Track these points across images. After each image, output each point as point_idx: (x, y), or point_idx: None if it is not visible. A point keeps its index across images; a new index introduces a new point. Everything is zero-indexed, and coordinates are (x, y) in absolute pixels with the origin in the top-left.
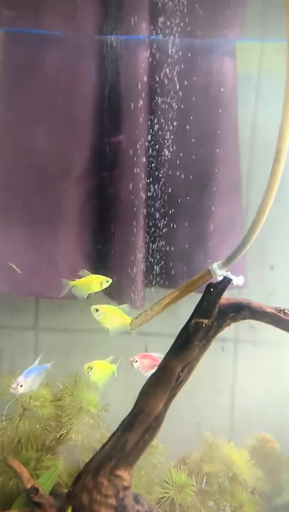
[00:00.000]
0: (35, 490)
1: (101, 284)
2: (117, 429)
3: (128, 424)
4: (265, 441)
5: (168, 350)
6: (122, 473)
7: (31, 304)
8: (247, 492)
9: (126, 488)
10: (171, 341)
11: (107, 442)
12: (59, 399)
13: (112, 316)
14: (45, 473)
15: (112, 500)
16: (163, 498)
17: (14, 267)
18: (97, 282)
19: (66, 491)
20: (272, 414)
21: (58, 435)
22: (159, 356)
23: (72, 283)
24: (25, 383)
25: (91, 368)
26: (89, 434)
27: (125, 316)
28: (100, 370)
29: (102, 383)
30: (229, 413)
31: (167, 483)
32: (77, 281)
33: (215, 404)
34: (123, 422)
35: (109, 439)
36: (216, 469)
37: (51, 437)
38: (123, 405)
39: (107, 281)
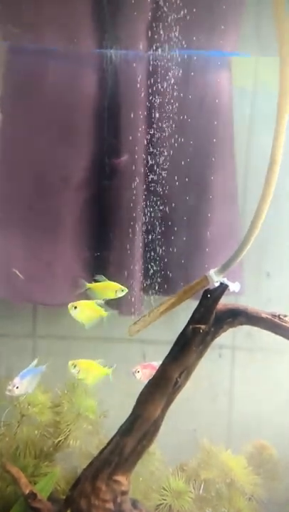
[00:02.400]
0: (33, 495)
1: (116, 292)
2: (116, 434)
3: (126, 429)
4: (263, 448)
5: (166, 355)
6: (120, 478)
7: (29, 311)
8: (245, 498)
9: (124, 493)
10: (169, 349)
11: (105, 447)
12: (57, 405)
13: (88, 311)
14: (44, 479)
15: (110, 505)
16: (161, 504)
17: (17, 272)
18: (112, 289)
19: (64, 497)
20: (270, 420)
21: (56, 441)
22: (160, 364)
23: (88, 285)
24: (22, 385)
25: (75, 366)
26: (87, 440)
27: (100, 309)
28: (87, 369)
29: (92, 383)
30: (227, 420)
31: (165, 489)
32: (94, 285)
33: (212, 411)
34: (121, 427)
35: (108, 444)
36: (214, 476)
37: (49, 444)
38: (121, 412)
39: (122, 290)
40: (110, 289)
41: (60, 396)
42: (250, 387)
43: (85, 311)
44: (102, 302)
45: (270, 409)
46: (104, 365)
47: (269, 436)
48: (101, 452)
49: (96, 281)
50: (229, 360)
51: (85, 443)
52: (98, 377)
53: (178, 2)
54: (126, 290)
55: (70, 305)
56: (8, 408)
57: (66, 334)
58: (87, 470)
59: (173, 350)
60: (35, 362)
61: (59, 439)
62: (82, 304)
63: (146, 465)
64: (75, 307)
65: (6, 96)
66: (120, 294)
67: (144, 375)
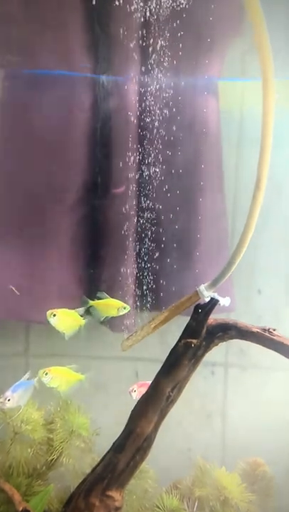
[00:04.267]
0: None
1: (118, 309)
2: (109, 450)
3: (119, 445)
4: (257, 465)
5: (158, 370)
6: (113, 493)
7: (21, 329)
8: None
9: (117, 509)
10: None
11: (98, 463)
12: (50, 422)
13: (67, 319)
14: (37, 496)
15: None
16: None
17: (13, 289)
18: (114, 307)
19: None
20: (263, 438)
21: (50, 459)
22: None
23: (91, 302)
24: (13, 398)
25: (46, 373)
26: (80, 458)
27: (80, 318)
28: (60, 376)
29: (64, 390)
30: (220, 438)
31: (158, 507)
32: (97, 302)
33: (206, 429)
34: (114, 442)
35: (101, 460)
36: (208, 493)
37: (42, 462)
38: (114, 430)
39: (124, 308)
40: (112, 306)
41: (53, 413)
42: (243, 404)
43: (64, 320)
44: (83, 311)
45: (263, 426)
46: (76, 370)
47: (263, 454)
48: (94, 468)
49: (98, 298)
50: (222, 378)
51: (78, 461)
52: (71, 383)
53: (167, 31)
54: (128, 308)
55: (48, 312)
56: (1, 426)
57: (59, 352)
58: (81, 486)
59: (165, 364)
60: (27, 375)
61: (52, 457)
62: (61, 312)
63: (139, 483)
64: (54, 315)
65: (2, 119)
66: (122, 312)
67: (140, 394)
